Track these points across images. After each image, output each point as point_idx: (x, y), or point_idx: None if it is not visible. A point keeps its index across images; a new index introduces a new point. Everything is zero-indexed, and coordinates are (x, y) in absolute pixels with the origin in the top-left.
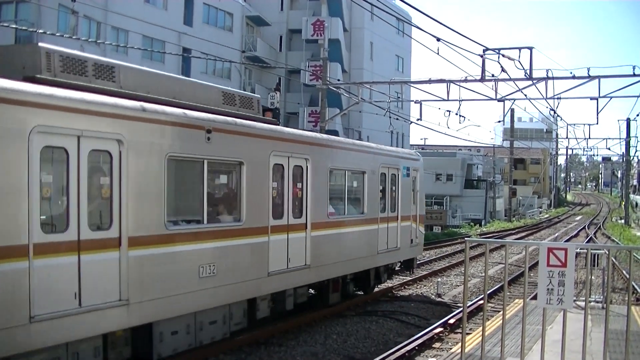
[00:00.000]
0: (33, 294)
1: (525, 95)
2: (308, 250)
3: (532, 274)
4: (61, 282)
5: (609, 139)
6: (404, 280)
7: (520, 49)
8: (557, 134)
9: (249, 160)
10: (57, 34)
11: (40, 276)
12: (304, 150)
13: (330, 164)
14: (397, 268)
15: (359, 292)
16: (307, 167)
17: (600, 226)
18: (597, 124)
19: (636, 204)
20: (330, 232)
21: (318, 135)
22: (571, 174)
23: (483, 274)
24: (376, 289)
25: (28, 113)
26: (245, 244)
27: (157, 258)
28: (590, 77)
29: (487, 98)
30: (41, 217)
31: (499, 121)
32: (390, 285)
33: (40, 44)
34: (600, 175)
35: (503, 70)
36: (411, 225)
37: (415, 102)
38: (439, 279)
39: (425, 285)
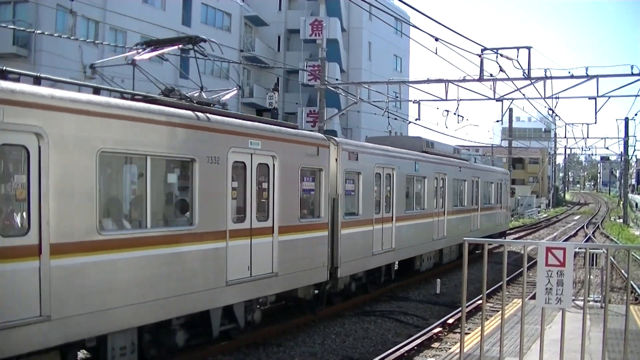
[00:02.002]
0: None
1: (524, 95)
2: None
3: (530, 274)
4: None
5: (608, 138)
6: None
7: (518, 48)
8: (555, 134)
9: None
10: (55, 35)
11: None
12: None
13: (484, 177)
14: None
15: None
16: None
17: (598, 225)
18: (596, 123)
19: (635, 203)
20: (485, 213)
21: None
22: (570, 173)
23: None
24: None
25: None
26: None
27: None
28: (588, 77)
29: (485, 98)
30: None
31: (498, 121)
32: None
33: (421, 137)
34: (598, 175)
35: (501, 69)
36: (505, 212)
37: (413, 102)
38: (438, 279)
39: (423, 285)
